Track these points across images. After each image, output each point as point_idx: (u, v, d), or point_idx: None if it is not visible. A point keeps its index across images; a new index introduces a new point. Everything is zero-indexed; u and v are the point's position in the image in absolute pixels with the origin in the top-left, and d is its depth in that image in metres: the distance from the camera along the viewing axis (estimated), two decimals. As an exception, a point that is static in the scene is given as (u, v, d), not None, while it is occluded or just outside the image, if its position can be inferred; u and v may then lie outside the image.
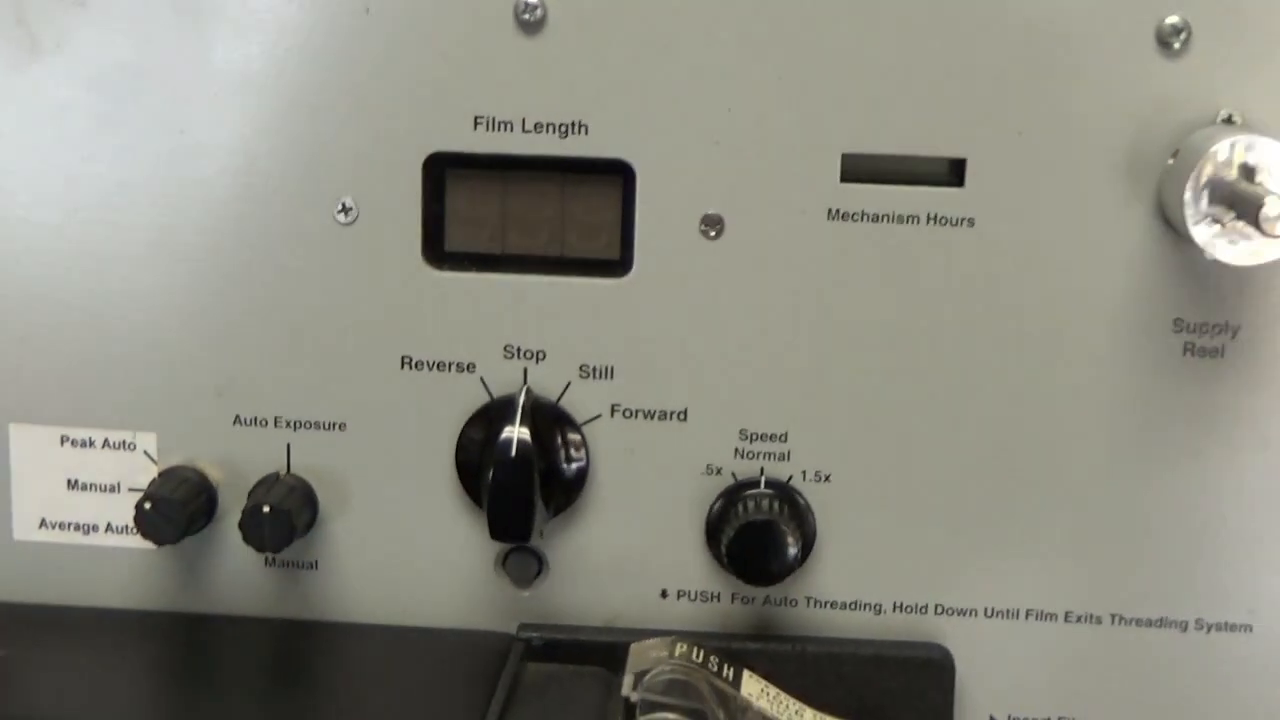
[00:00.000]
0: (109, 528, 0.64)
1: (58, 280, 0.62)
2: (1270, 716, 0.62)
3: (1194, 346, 0.59)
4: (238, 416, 0.62)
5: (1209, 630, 0.62)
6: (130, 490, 0.63)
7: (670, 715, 0.56)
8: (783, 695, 0.59)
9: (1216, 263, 0.56)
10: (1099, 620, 0.62)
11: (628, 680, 0.58)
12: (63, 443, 0.63)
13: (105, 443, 0.63)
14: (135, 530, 0.62)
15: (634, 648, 0.59)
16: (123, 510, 0.63)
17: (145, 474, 0.63)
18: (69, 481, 0.64)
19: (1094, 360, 0.60)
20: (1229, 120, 0.57)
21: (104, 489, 0.63)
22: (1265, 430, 0.60)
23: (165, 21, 0.60)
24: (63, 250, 0.61)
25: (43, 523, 0.64)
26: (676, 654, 0.58)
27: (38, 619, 0.64)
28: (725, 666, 0.59)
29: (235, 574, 0.64)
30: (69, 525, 0.64)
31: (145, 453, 0.63)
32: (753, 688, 0.58)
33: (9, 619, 0.64)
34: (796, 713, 0.59)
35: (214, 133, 0.60)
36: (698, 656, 0.58)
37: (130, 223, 0.61)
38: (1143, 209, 0.58)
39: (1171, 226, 0.58)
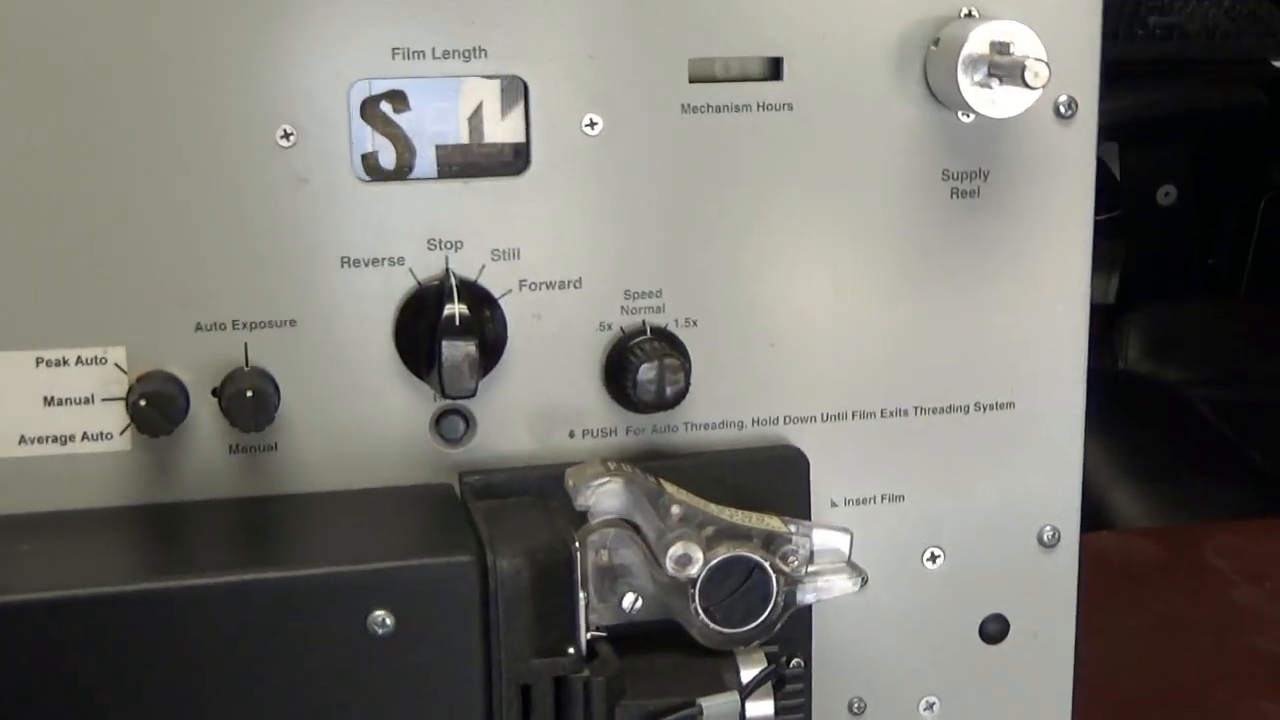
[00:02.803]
0: (84, 436, 0.72)
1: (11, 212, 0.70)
2: (1029, 466, 0.81)
3: (958, 190, 0.78)
4: (199, 324, 0.72)
5: (984, 410, 0.81)
6: (104, 400, 0.72)
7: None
8: (691, 495, 0.74)
9: (974, 121, 0.75)
10: (905, 413, 0.80)
11: (575, 493, 0.71)
12: (37, 364, 0.71)
13: (78, 360, 0.71)
14: (110, 435, 0.71)
15: (570, 470, 0.72)
16: (98, 419, 0.72)
17: (118, 384, 0.71)
18: (45, 399, 0.71)
19: (886, 206, 0.77)
20: (969, 14, 0.76)
21: (79, 402, 0.72)
22: (1013, 248, 0.79)
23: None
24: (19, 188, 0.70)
25: (21, 439, 0.71)
26: (611, 468, 0.72)
27: (22, 524, 0.71)
28: (647, 475, 0.73)
29: (202, 464, 0.73)
30: (46, 439, 0.72)
31: (116, 365, 0.72)
32: (671, 488, 0.73)
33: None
34: (704, 505, 0.73)
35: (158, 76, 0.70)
36: (627, 468, 0.72)
37: (95, 157, 0.70)
38: (913, 87, 0.76)
39: (936, 98, 0.76)
